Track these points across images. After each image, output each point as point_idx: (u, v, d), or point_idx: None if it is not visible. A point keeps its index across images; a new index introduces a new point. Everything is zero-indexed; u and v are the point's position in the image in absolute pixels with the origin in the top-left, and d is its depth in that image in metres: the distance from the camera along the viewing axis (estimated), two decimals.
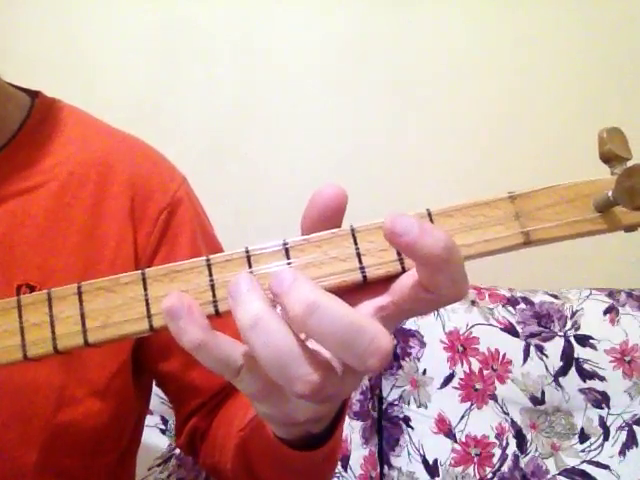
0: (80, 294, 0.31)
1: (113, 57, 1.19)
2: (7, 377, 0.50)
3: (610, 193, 0.30)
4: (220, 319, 0.30)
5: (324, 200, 0.30)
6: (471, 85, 1.21)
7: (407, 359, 1.02)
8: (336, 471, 0.97)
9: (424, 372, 1.01)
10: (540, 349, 1.02)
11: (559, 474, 0.98)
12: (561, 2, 1.19)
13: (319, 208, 0.31)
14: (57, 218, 0.54)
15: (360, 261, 0.30)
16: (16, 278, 0.52)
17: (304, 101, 1.21)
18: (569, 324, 1.03)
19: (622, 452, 0.98)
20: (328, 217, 0.31)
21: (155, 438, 0.99)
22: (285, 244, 0.30)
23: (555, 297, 1.06)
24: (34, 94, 0.59)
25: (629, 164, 0.32)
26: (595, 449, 0.99)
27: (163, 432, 1.00)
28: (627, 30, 1.18)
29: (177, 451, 0.99)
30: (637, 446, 0.99)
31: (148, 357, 0.59)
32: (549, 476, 0.98)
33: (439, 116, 1.22)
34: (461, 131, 1.21)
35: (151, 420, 0.99)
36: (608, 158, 0.32)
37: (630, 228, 0.32)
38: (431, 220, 0.30)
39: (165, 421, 1.00)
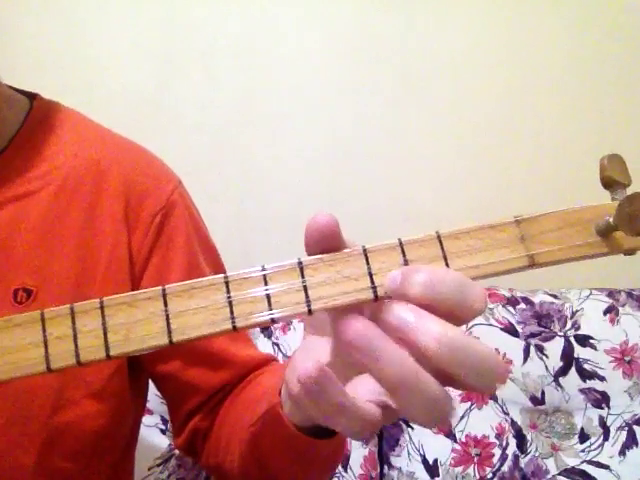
0: (102, 308, 0.31)
1: (113, 57, 1.19)
2: None
3: (611, 219, 0.32)
4: None
5: (317, 230, 0.32)
6: (472, 85, 1.21)
7: None
8: (336, 471, 0.97)
9: None
10: (540, 349, 1.02)
11: (559, 474, 0.98)
12: (563, 3, 1.19)
13: (315, 237, 0.32)
14: (53, 222, 0.54)
15: (372, 280, 0.31)
16: (13, 282, 0.52)
17: (304, 101, 1.21)
18: (569, 324, 1.03)
19: (622, 452, 0.98)
20: (326, 243, 0.32)
21: (155, 438, 0.99)
22: (300, 263, 0.31)
23: (555, 297, 1.06)
24: (32, 96, 0.59)
25: (629, 190, 0.33)
26: (595, 449, 0.99)
27: (163, 432, 1.00)
28: (630, 31, 1.19)
29: (177, 451, 0.98)
30: (637, 446, 0.99)
31: (144, 359, 0.59)
32: (549, 476, 0.98)
33: (440, 116, 1.21)
34: (462, 130, 1.21)
35: (151, 420, 0.99)
36: (608, 184, 0.34)
37: (630, 252, 0.34)
38: (440, 243, 0.32)
39: (165, 421, 1.00)
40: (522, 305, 1.04)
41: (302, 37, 1.20)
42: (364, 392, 0.33)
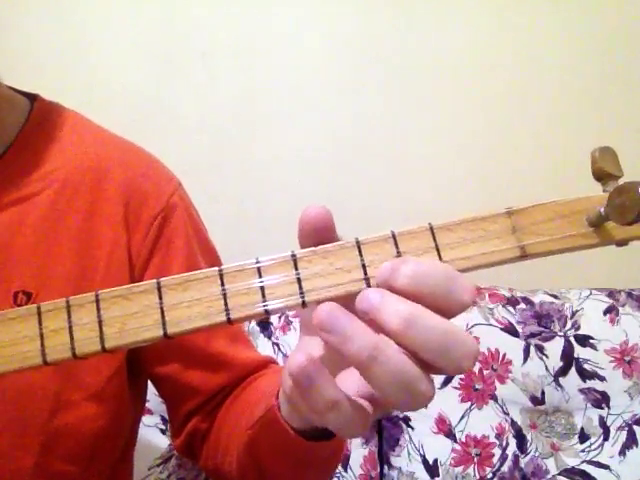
0: (98, 302, 0.32)
1: (113, 57, 1.19)
2: (2, 382, 0.50)
3: (602, 209, 0.32)
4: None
5: (310, 223, 0.32)
6: (472, 85, 1.21)
7: None
8: (336, 471, 0.97)
9: None
10: (540, 349, 1.02)
11: (559, 474, 0.98)
12: (563, 4, 1.19)
13: (308, 230, 0.32)
14: (53, 225, 0.54)
15: (365, 272, 0.31)
16: (13, 285, 0.52)
17: (304, 101, 1.21)
18: (569, 324, 1.03)
19: (622, 452, 0.98)
20: (319, 236, 0.32)
21: (155, 438, 0.99)
22: (293, 255, 0.32)
23: (555, 297, 1.06)
24: (33, 97, 0.59)
25: (620, 182, 0.33)
26: (595, 449, 0.99)
27: (163, 432, 1.00)
28: (630, 33, 1.19)
29: None
30: (637, 446, 0.99)
31: (144, 361, 0.59)
32: (549, 476, 0.98)
33: (440, 116, 1.21)
34: (462, 130, 1.21)
35: (151, 420, 0.99)
36: (600, 176, 0.34)
37: (621, 242, 0.33)
38: (433, 234, 0.32)
39: (165, 421, 1.00)
40: (522, 305, 1.04)
41: (302, 37, 1.20)
42: (350, 387, 0.33)
